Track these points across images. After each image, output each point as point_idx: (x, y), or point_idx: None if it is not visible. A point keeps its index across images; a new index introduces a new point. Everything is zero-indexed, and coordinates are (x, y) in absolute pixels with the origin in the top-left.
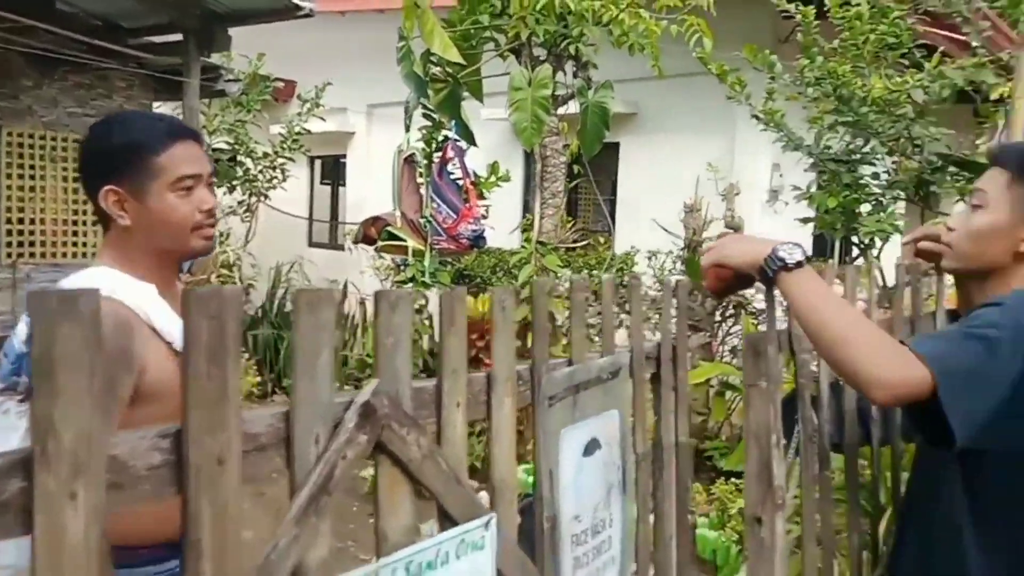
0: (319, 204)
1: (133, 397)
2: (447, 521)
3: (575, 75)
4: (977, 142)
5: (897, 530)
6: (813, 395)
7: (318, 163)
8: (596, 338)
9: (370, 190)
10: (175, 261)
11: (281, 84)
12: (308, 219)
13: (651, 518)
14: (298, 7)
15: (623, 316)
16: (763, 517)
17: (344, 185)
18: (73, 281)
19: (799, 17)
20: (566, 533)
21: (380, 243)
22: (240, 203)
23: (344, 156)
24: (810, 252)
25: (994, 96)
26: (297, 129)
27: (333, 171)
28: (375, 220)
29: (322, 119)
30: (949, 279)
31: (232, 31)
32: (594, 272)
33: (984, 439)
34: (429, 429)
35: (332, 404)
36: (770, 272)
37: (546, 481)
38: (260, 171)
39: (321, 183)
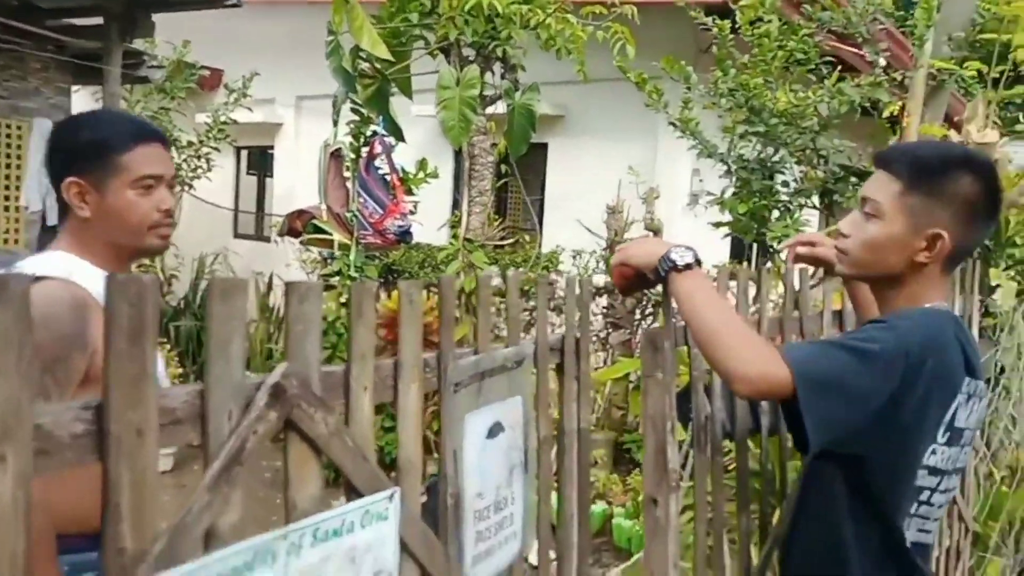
0: (245, 195)
1: (86, 377)
2: (353, 493)
3: (503, 76)
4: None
5: (790, 517)
6: (707, 386)
7: (244, 153)
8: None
9: (298, 182)
10: (129, 256)
11: (207, 72)
12: (233, 210)
13: (553, 498)
14: None
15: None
16: (659, 498)
17: (271, 176)
18: (31, 264)
19: (715, 30)
20: (469, 509)
21: (306, 236)
22: None
23: (272, 147)
24: (727, 256)
25: (886, 113)
26: (223, 119)
27: (260, 162)
28: (300, 213)
29: (249, 109)
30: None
31: (156, 17)
32: (520, 269)
33: (842, 446)
34: (338, 410)
35: (244, 384)
36: (662, 272)
37: (451, 461)
38: (184, 160)
39: (247, 174)
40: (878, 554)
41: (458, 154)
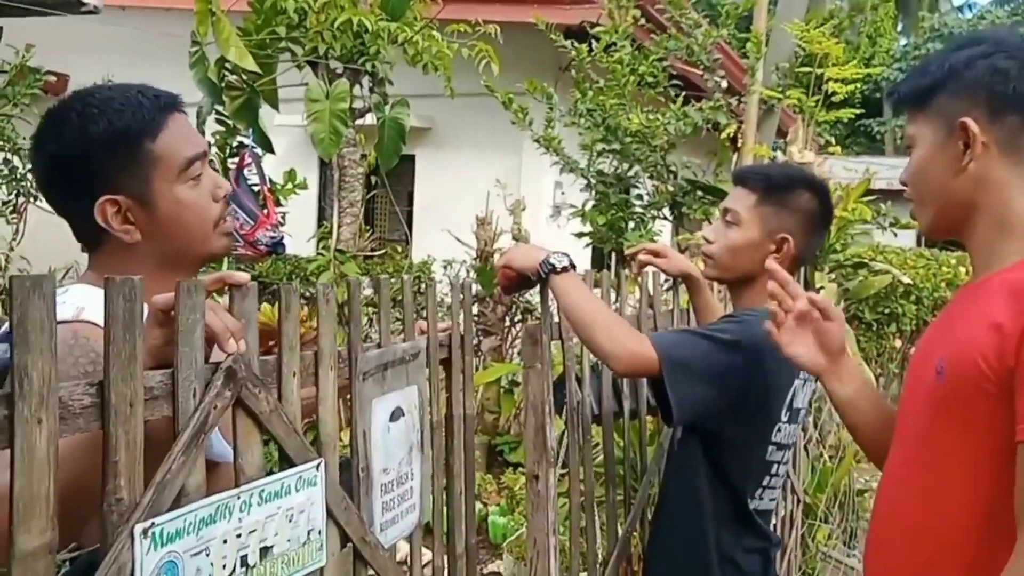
0: None
1: None
2: (286, 463)
3: (371, 90)
4: (717, 170)
5: (659, 488)
6: (578, 376)
7: None
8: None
9: None
10: (193, 269)
11: (53, 78)
12: None
13: (444, 474)
14: (81, 3)
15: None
16: (539, 474)
17: None
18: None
19: (574, 53)
20: (377, 481)
21: None
22: (6, 203)
23: None
24: (588, 263)
25: (724, 135)
26: None
27: None
28: None
29: None
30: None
31: (1, 21)
32: (394, 279)
33: (703, 421)
34: (273, 392)
35: (204, 368)
36: (542, 274)
37: (361, 439)
38: (30, 171)
39: None
40: (733, 521)
41: (323, 164)
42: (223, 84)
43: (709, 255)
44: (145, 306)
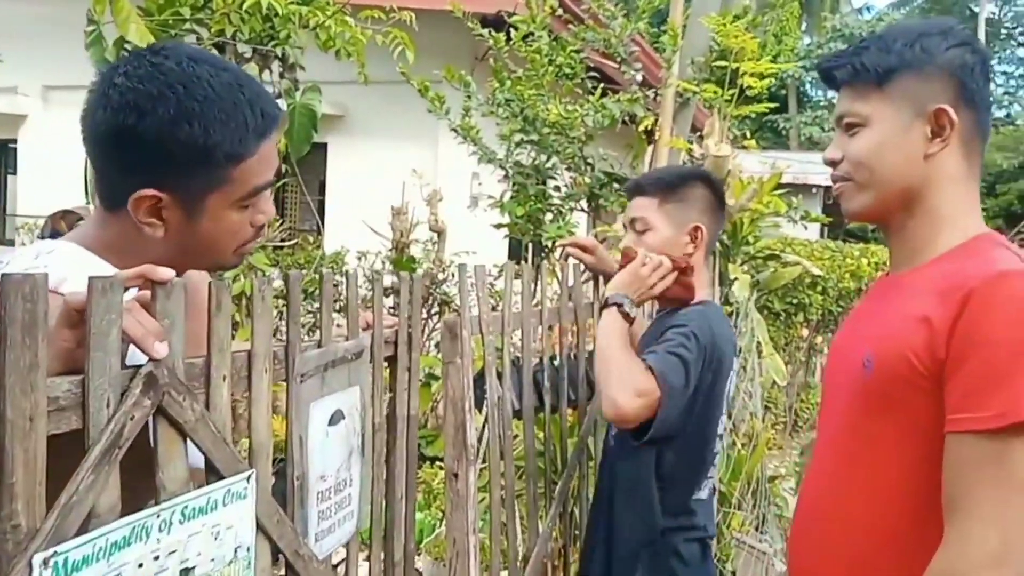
0: None
1: None
2: (214, 475)
3: (282, 76)
4: (633, 163)
5: (598, 486)
6: (498, 371)
7: None
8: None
9: (48, 180)
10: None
11: None
12: None
13: (384, 478)
14: None
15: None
16: (459, 472)
17: (14, 173)
18: (27, 256)
19: (491, 42)
20: (313, 490)
21: None
22: None
23: (14, 141)
24: (506, 255)
25: (642, 127)
26: None
27: (0, 157)
28: (65, 214)
29: None
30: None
31: None
32: (303, 271)
33: (667, 433)
34: (200, 397)
35: (120, 373)
36: (610, 303)
37: (296, 446)
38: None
39: None
40: (678, 512)
41: None
42: None
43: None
44: (54, 302)
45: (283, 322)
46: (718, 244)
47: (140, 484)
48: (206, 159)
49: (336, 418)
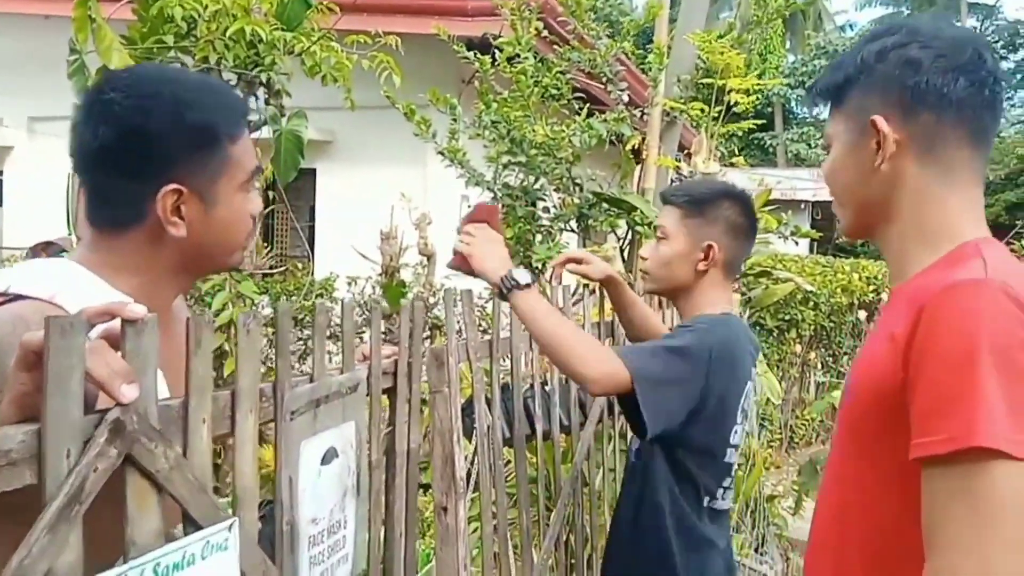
0: None
1: None
2: (192, 526)
3: (267, 102)
4: (621, 183)
5: (619, 503)
6: (488, 398)
7: None
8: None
9: (34, 211)
10: (195, 280)
11: None
12: None
13: (382, 518)
14: None
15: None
16: (448, 506)
17: (0, 205)
18: (20, 275)
19: (477, 65)
20: (304, 534)
21: None
22: None
23: (0, 172)
24: None
25: (630, 145)
26: None
27: None
28: (47, 245)
29: None
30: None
31: None
32: (293, 298)
33: (672, 430)
34: (177, 443)
35: (82, 420)
36: (504, 289)
37: (286, 488)
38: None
39: None
40: (696, 525)
41: None
42: None
43: (645, 271)
44: (13, 344)
45: (272, 350)
46: None
47: (107, 539)
48: (212, 141)
49: (329, 456)
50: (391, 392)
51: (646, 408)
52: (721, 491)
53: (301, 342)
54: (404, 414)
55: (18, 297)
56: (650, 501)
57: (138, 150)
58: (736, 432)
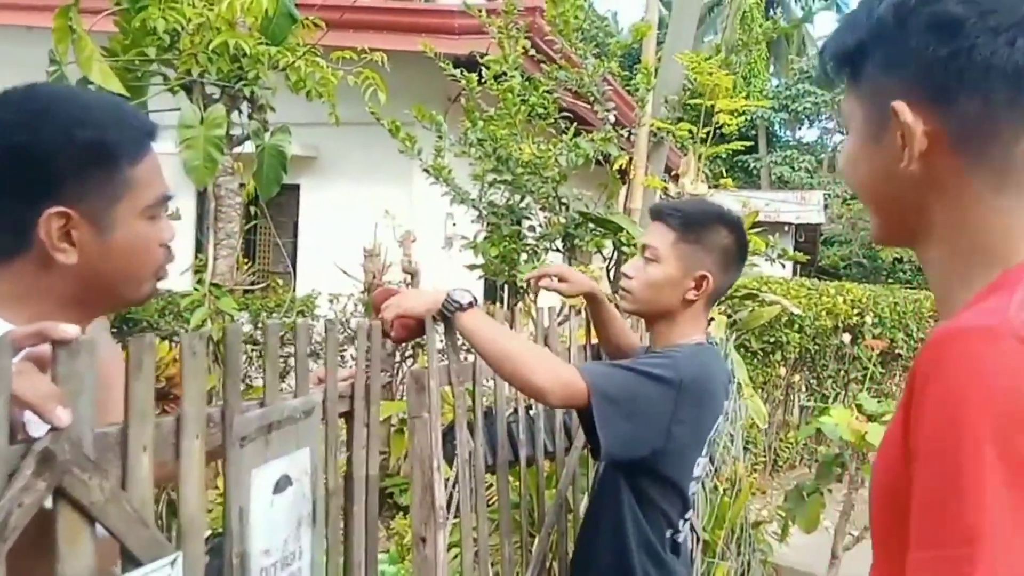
0: None
1: None
2: (130, 563)
3: (251, 116)
4: (608, 203)
5: (583, 527)
6: (470, 423)
7: None
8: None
9: None
10: (100, 311)
11: None
12: None
13: (341, 547)
14: None
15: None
16: (427, 536)
17: None
18: None
19: (464, 82)
20: (256, 567)
21: None
22: None
23: None
24: (482, 296)
25: (616, 165)
26: None
27: None
28: None
29: None
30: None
31: None
32: (274, 315)
33: (630, 455)
34: (114, 473)
35: (7, 451)
36: (447, 312)
37: (235, 519)
38: None
39: None
40: (657, 554)
41: (201, 194)
42: None
43: (628, 290)
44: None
45: (254, 369)
46: None
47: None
48: (107, 162)
49: (282, 484)
50: (348, 416)
51: (603, 427)
52: (682, 522)
53: (283, 359)
54: (363, 438)
55: None
56: (614, 528)
57: (21, 170)
58: (699, 464)
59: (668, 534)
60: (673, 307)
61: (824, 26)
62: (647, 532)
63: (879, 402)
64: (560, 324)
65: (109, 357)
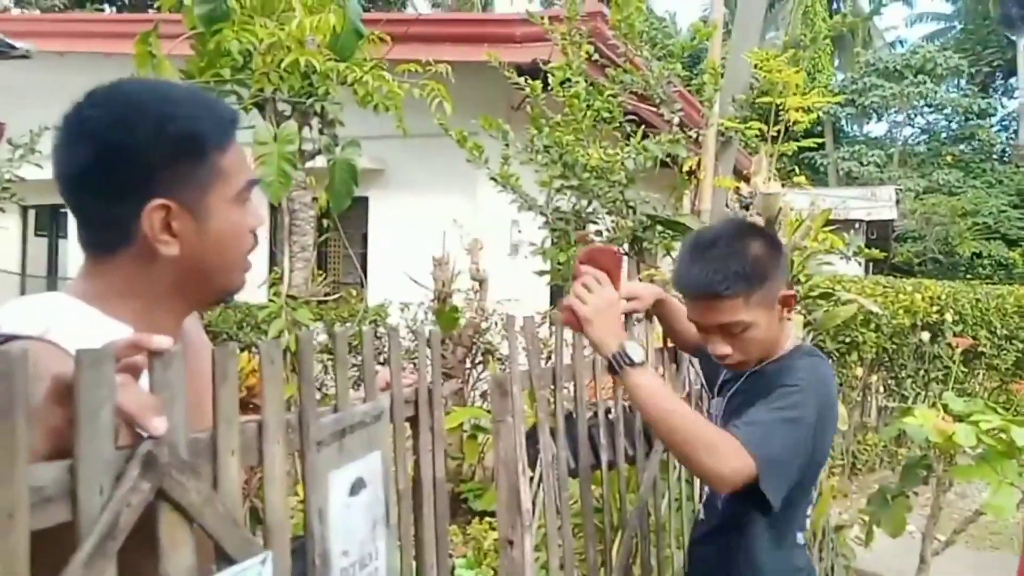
0: (34, 258)
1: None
2: (224, 561)
3: (321, 132)
4: (675, 205)
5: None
6: (552, 427)
7: (32, 213)
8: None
9: None
10: (201, 304)
11: None
12: (20, 274)
13: (413, 549)
14: (11, 47)
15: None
16: (514, 539)
17: (65, 237)
18: (8, 314)
19: (528, 90)
20: (336, 567)
21: None
22: None
23: (64, 206)
24: (548, 302)
25: (686, 168)
26: (8, 176)
27: (51, 222)
28: None
29: (39, 166)
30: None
31: None
32: (347, 324)
33: (789, 493)
34: (207, 476)
35: (114, 455)
36: (617, 366)
37: (316, 520)
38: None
39: (36, 235)
40: (788, 557)
41: (274, 209)
42: None
43: (740, 363)
44: (40, 378)
45: (328, 377)
46: None
47: (143, 573)
48: (199, 152)
49: (357, 487)
50: (414, 421)
51: (770, 489)
52: (806, 520)
53: (354, 367)
54: (428, 443)
55: (9, 338)
56: (744, 538)
57: (119, 167)
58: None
59: (799, 537)
60: (778, 333)
61: (890, 17)
62: (779, 539)
63: (966, 402)
64: (636, 323)
65: (201, 344)
